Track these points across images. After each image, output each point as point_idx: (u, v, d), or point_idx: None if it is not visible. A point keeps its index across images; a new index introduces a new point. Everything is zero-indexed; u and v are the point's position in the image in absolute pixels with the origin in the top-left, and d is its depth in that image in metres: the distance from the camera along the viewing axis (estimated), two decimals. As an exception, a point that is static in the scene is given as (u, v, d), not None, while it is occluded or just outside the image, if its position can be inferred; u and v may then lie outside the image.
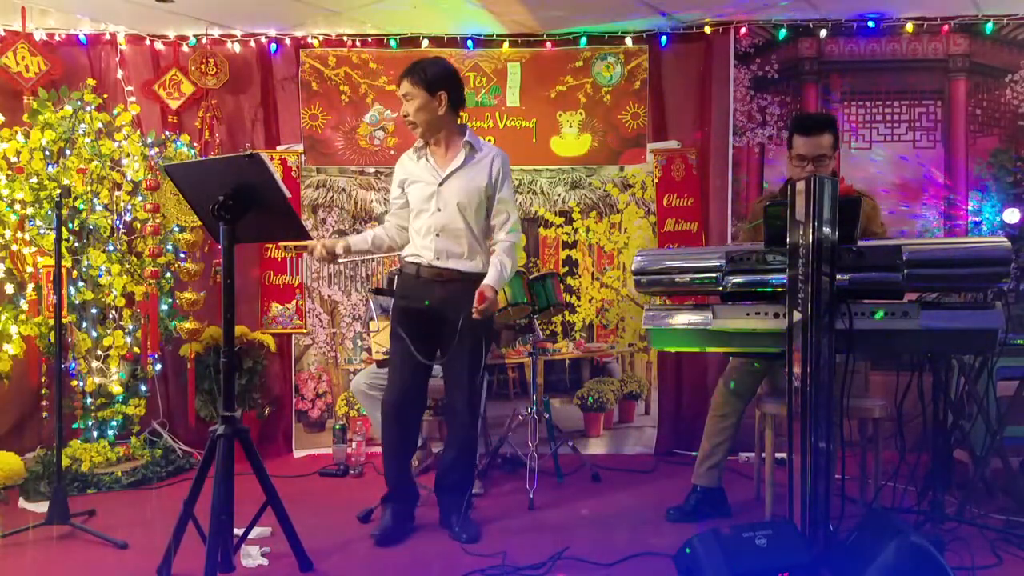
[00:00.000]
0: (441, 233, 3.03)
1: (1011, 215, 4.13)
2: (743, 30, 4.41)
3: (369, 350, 4.40)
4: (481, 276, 3.03)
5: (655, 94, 4.53)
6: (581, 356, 4.57)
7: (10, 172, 3.80)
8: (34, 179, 3.79)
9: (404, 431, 3.14)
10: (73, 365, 3.96)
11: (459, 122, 3.12)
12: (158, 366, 4.24)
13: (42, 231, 3.80)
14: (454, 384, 3.12)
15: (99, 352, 3.98)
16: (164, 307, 4.11)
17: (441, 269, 3.04)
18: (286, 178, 4.45)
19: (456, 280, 3.03)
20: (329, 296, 4.58)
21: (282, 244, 4.50)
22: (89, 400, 4.01)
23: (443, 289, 3.04)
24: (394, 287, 3.24)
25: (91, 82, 4.09)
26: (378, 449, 3.75)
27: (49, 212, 3.78)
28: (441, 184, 3.03)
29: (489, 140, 4.50)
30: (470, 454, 3.21)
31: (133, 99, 4.38)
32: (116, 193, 3.99)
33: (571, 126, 4.52)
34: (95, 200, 3.92)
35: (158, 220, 3.94)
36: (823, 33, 4.38)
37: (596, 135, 4.51)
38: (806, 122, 3.16)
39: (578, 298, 4.55)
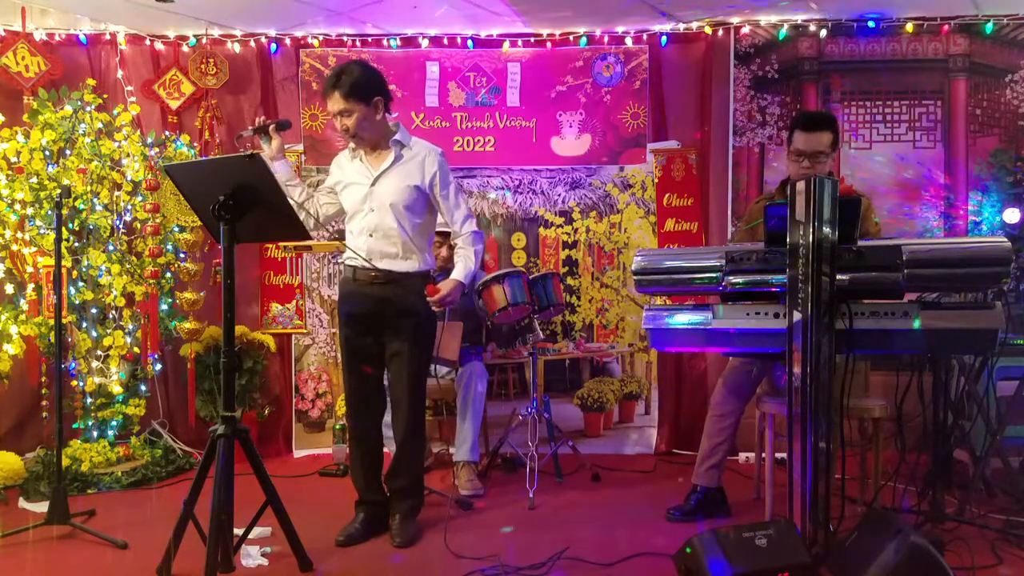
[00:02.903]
0: (374, 233, 3.00)
1: (1011, 215, 4.13)
2: (743, 30, 4.41)
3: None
4: (417, 275, 3.02)
5: (655, 94, 4.53)
6: (581, 356, 4.57)
7: (10, 172, 3.80)
8: (34, 179, 3.79)
9: (365, 439, 3.14)
10: (73, 365, 3.97)
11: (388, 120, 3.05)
12: (158, 366, 4.24)
13: (42, 231, 3.80)
14: (397, 383, 3.08)
15: (99, 352, 3.98)
16: (164, 307, 4.11)
17: (376, 270, 3.02)
18: (286, 178, 4.44)
19: (391, 281, 3.00)
20: (329, 296, 4.58)
21: (282, 244, 4.49)
22: (89, 400, 4.01)
23: (379, 290, 3.01)
24: None
25: (91, 82, 4.09)
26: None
27: (49, 212, 3.78)
28: (373, 184, 2.99)
29: (489, 140, 4.53)
30: (413, 457, 3.11)
31: (133, 99, 4.38)
32: (116, 193, 3.99)
33: (571, 126, 4.52)
34: (95, 200, 3.93)
35: (158, 220, 3.94)
36: (823, 33, 4.38)
37: (596, 135, 4.51)
38: (808, 119, 3.20)
39: (578, 298, 4.55)
